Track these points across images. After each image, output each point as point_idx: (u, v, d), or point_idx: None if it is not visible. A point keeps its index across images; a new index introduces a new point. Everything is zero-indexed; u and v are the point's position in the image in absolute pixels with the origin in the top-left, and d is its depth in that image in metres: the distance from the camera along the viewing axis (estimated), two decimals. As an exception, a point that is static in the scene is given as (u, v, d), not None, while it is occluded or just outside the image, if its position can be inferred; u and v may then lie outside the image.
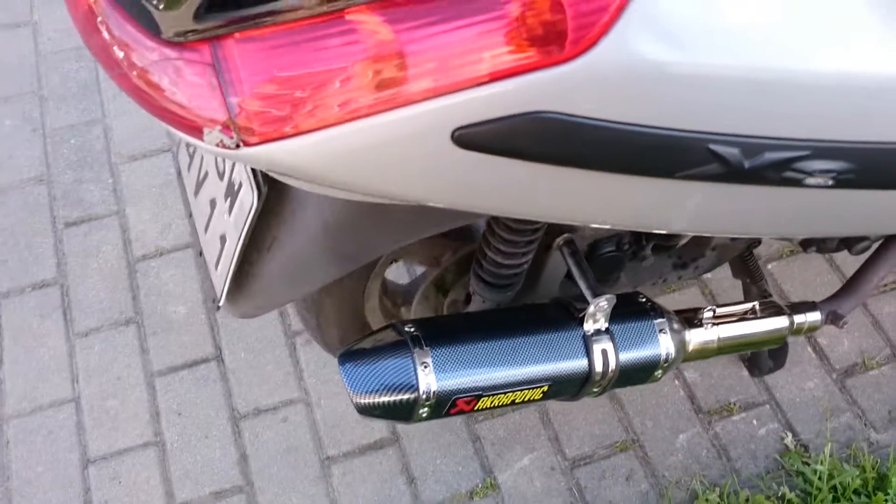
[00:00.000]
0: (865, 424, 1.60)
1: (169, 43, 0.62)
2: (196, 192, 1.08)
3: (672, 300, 1.74)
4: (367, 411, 0.92)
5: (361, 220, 0.89)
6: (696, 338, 1.13)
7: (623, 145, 0.67)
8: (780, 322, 1.21)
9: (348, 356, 0.93)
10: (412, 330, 0.95)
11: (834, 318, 1.25)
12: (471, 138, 0.64)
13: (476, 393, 0.95)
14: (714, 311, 1.14)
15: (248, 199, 0.90)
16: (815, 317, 1.23)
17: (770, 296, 1.38)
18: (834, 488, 1.49)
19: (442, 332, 0.96)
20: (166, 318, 1.69)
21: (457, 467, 1.53)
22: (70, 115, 2.02)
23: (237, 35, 0.61)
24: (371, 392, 0.91)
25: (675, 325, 1.07)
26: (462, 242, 1.19)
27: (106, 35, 0.66)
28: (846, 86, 0.68)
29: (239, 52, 0.61)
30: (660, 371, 1.06)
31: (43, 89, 2.07)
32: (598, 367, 1.00)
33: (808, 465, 1.52)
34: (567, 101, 0.64)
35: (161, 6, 0.60)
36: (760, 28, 0.65)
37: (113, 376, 1.62)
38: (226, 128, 0.62)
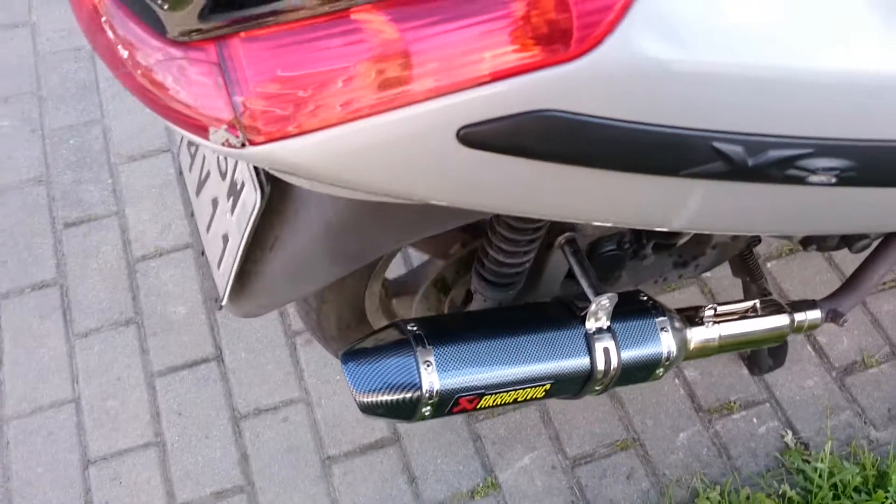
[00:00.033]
0: (865, 422, 1.61)
1: (174, 42, 0.62)
2: (198, 192, 1.08)
3: (672, 299, 1.74)
4: (370, 410, 0.93)
5: (364, 219, 0.89)
6: (697, 336, 1.13)
7: (628, 143, 0.67)
8: (781, 320, 1.21)
9: (351, 355, 0.94)
10: (415, 329, 0.95)
11: (834, 316, 1.25)
12: (476, 137, 0.64)
13: (479, 391, 0.95)
14: (715, 310, 1.14)
15: (251, 198, 0.90)
16: (815, 315, 1.24)
17: (770, 294, 1.38)
18: (834, 486, 1.49)
19: (444, 331, 0.97)
20: (166, 319, 1.69)
21: (458, 466, 1.53)
22: (69, 116, 2.01)
23: (242, 34, 0.61)
24: (374, 391, 0.92)
25: (677, 324, 1.07)
26: (472, 235, 1.19)
27: (110, 34, 0.66)
28: (847, 84, 0.69)
29: (245, 52, 0.61)
30: (661, 369, 1.06)
31: (42, 90, 2.06)
32: (600, 366, 1.00)
33: (809, 462, 1.53)
34: (572, 100, 0.64)
35: (166, 6, 0.60)
36: (763, 27, 0.65)
37: (113, 377, 1.62)
38: (231, 127, 0.62)
